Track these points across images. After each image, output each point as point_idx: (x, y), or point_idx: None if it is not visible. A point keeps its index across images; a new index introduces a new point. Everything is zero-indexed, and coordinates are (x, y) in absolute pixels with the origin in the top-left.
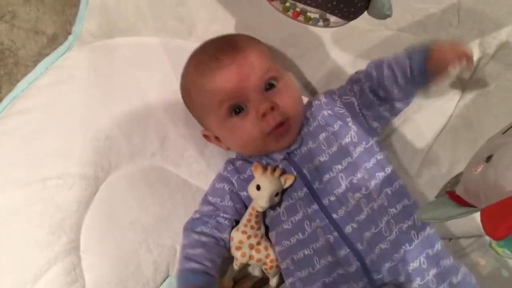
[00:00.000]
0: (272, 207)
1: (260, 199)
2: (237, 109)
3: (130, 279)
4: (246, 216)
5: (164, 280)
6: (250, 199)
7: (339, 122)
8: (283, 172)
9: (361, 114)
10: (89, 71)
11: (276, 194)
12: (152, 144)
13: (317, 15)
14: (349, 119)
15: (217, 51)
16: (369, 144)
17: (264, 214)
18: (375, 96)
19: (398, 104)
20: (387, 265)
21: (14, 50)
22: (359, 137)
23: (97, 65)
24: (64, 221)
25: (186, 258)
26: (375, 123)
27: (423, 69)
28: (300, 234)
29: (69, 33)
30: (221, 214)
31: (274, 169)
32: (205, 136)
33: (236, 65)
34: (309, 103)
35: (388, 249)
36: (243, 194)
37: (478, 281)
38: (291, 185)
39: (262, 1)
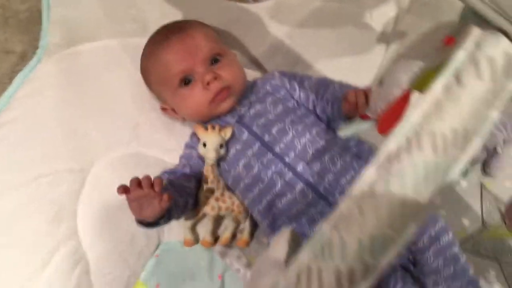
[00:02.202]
0: (232, 168)
1: (208, 153)
2: (186, 81)
3: (127, 251)
4: (204, 174)
5: (157, 247)
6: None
7: (285, 91)
8: (222, 127)
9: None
10: (60, 78)
11: (221, 146)
12: (126, 134)
13: None
14: (294, 93)
15: (168, 33)
16: (310, 107)
17: (226, 177)
18: (317, 107)
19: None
20: (338, 190)
21: None
22: (302, 102)
23: (66, 72)
24: (60, 212)
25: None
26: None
27: (341, 114)
28: (260, 184)
29: (36, 48)
30: (187, 170)
31: (213, 127)
32: (164, 109)
33: (185, 44)
34: (262, 77)
35: (335, 178)
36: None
37: None
38: (241, 140)
39: None
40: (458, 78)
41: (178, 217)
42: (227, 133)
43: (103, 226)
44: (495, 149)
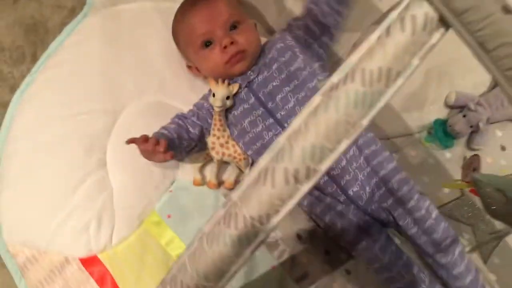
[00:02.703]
0: (239, 122)
1: (216, 102)
2: (207, 43)
3: (145, 184)
4: (213, 122)
5: (172, 183)
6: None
7: (289, 52)
8: (230, 83)
9: (307, 44)
10: (102, 32)
11: (228, 98)
12: (154, 85)
13: None
14: (297, 49)
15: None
16: (313, 68)
17: (233, 129)
18: (317, 27)
19: (334, 31)
20: None
21: (43, 22)
22: (304, 63)
23: (107, 27)
24: (93, 145)
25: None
26: (320, 50)
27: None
28: (261, 141)
29: (84, 5)
30: (194, 119)
31: (223, 82)
32: (189, 67)
33: (208, 9)
34: (267, 41)
35: None
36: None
37: (411, 168)
38: (248, 102)
39: None
40: (388, 31)
41: (183, 157)
42: (234, 88)
43: (128, 161)
44: (478, 125)
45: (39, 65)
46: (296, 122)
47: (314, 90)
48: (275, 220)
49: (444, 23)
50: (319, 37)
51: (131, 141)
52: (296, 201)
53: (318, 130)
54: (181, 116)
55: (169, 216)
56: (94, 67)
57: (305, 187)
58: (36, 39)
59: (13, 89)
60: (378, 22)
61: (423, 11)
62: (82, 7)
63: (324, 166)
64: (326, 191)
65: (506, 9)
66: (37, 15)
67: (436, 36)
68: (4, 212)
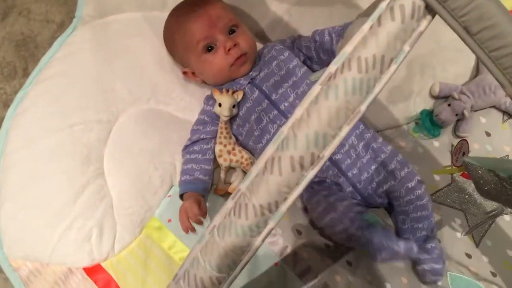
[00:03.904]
0: (245, 122)
1: (223, 111)
2: (209, 47)
3: (144, 190)
4: (218, 131)
5: (170, 188)
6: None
7: (287, 52)
8: (234, 91)
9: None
10: (92, 43)
11: (234, 106)
12: (147, 92)
13: None
14: (294, 52)
15: (193, 5)
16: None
17: (240, 132)
18: (317, 55)
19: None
20: None
21: (33, 37)
22: (301, 62)
23: (97, 38)
24: (90, 154)
25: (181, 172)
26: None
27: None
28: (267, 135)
29: (73, 18)
30: (203, 136)
31: (227, 91)
32: (184, 73)
33: (208, 14)
34: (266, 45)
35: None
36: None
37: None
38: (252, 100)
39: None
40: (379, 20)
41: None
42: (239, 95)
43: (125, 169)
44: (463, 113)
45: (31, 79)
46: (298, 112)
47: (311, 85)
48: (284, 207)
49: (430, 10)
50: (319, 59)
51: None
52: (302, 187)
53: (320, 117)
54: (191, 146)
55: (169, 221)
56: (86, 78)
57: (311, 173)
58: (26, 54)
59: (6, 105)
60: (366, 14)
61: (411, 0)
62: (71, 21)
63: (327, 152)
64: (327, 174)
65: None
66: (26, 31)
67: (424, 23)
68: (4, 226)
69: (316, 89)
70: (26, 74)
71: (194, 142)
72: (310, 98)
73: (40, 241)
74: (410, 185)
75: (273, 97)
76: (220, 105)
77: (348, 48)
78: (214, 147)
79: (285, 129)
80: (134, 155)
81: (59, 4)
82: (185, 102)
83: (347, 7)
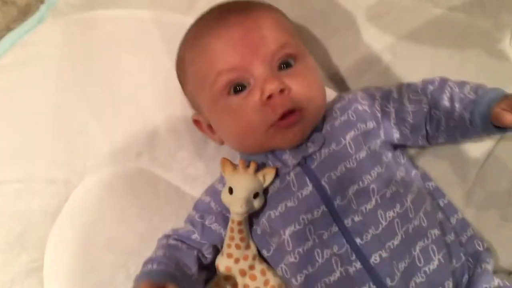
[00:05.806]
0: (275, 232)
1: (234, 204)
2: (238, 87)
3: None
4: (227, 234)
5: None
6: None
7: (373, 122)
8: (260, 166)
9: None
10: (63, 49)
11: (256, 196)
12: (138, 141)
13: None
14: (382, 125)
15: (224, 10)
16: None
17: (265, 243)
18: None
19: (440, 139)
20: None
21: None
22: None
23: (73, 43)
24: (24, 235)
25: (144, 263)
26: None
27: (487, 118)
28: (309, 267)
29: (42, 2)
30: (197, 238)
31: (248, 165)
32: (196, 122)
33: (244, 28)
34: (339, 97)
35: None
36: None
37: None
38: (296, 198)
39: None
40: None
41: None
42: (268, 177)
43: (79, 270)
44: None
45: None
46: None
47: (404, 186)
48: None
49: None
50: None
51: None
52: None
53: None
54: (175, 238)
55: None
56: (41, 105)
57: None
58: None
59: None
60: None
61: None
62: (39, 6)
63: None
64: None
65: None
66: None
67: None
68: None
69: None
70: None
71: (180, 240)
72: None
73: None
74: None
75: (337, 201)
76: (231, 191)
77: None
78: (215, 259)
79: None
80: (98, 248)
81: None
82: (197, 170)
83: (490, 55)
